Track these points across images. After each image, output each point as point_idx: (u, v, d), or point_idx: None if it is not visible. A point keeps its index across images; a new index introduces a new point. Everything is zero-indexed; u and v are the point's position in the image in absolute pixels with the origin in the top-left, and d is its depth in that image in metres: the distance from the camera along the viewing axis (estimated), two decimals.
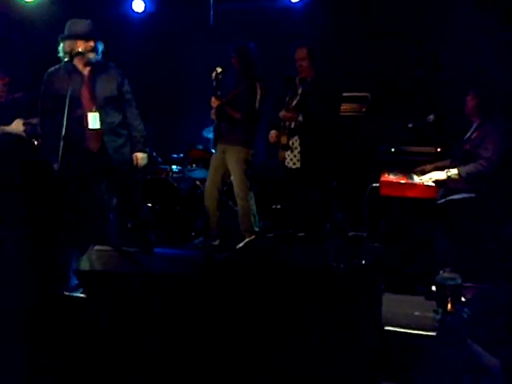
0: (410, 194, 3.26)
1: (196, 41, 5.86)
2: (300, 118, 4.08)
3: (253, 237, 4.32)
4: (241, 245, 4.29)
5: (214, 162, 4.49)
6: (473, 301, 2.73)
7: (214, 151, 4.65)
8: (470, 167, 3.51)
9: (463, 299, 2.61)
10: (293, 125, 4.15)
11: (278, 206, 4.73)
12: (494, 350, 1.84)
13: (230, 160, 4.35)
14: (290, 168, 4.14)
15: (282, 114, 4.17)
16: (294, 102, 4.15)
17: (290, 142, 4.14)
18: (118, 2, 6.04)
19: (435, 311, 2.27)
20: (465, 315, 2.28)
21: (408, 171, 3.74)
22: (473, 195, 3.43)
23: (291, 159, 4.15)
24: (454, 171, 3.51)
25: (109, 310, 2.53)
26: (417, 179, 3.51)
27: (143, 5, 6.05)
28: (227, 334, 2.41)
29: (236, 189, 4.36)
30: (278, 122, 4.24)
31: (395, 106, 4.95)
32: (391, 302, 2.74)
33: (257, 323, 2.36)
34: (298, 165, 4.11)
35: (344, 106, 5.19)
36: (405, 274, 2.88)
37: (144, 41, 6.19)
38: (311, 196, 3.95)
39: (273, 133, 4.25)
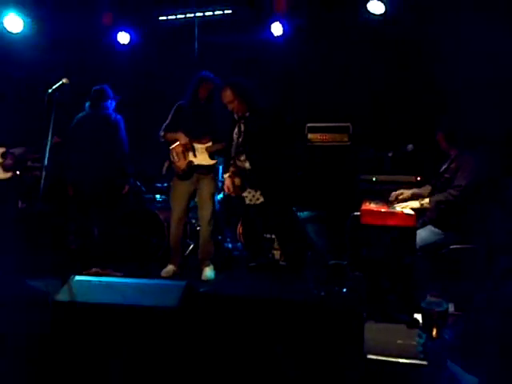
0: (391, 222, 3.30)
1: (181, 72, 5.94)
2: (247, 166, 4.21)
3: (211, 265, 4.42)
4: (209, 274, 4.32)
5: (182, 191, 4.52)
6: (454, 324, 2.76)
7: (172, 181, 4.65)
8: (439, 196, 3.64)
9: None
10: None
11: (269, 235, 4.74)
12: (473, 370, 1.87)
13: (205, 188, 4.45)
14: (254, 204, 4.25)
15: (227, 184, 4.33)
16: (240, 140, 4.27)
17: (244, 182, 4.26)
18: (103, 34, 6.12)
19: (419, 335, 2.29)
20: (446, 337, 2.31)
21: (388, 200, 3.82)
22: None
23: (253, 196, 4.26)
24: (426, 200, 3.65)
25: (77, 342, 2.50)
26: (397, 208, 3.57)
27: (128, 36, 6.14)
28: (208, 367, 2.39)
29: (205, 214, 4.44)
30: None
31: (376, 135, 5.06)
32: (373, 331, 2.75)
33: (239, 354, 2.35)
34: (262, 199, 4.21)
35: (326, 136, 5.31)
36: (386, 303, 2.90)
37: (129, 72, 6.26)
38: (284, 225, 4.04)
39: (228, 182, 4.36)
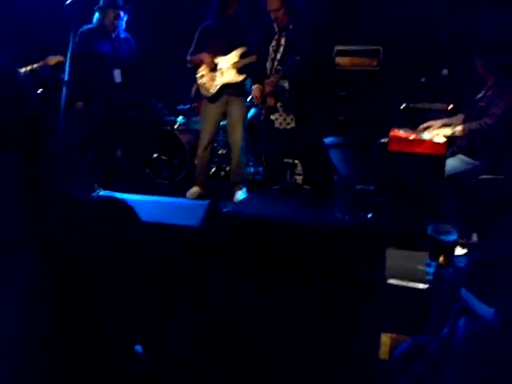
0: (419, 149, 3.21)
1: None
2: (286, 85, 3.92)
3: (244, 188, 4.39)
4: (240, 196, 4.31)
5: (212, 114, 4.42)
6: (470, 253, 2.74)
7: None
8: (473, 124, 3.47)
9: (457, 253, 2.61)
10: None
11: (291, 161, 4.66)
12: (489, 300, 1.86)
13: (235, 111, 4.33)
14: (284, 128, 4.05)
15: (268, 81, 4.01)
16: (278, 56, 3.99)
17: (278, 104, 4.01)
18: None
19: (427, 264, 2.26)
20: (461, 265, 2.28)
21: (418, 128, 3.68)
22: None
23: (284, 119, 4.04)
24: (458, 128, 3.49)
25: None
26: (426, 135, 3.46)
27: None
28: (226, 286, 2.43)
29: (236, 138, 4.35)
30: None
31: (408, 60, 4.81)
32: (395, 256, 2.75)
33: (262, 279, 2.38)
34: (293, 124, 4.01)
35: (354, 60, 5.08)
36: (410, 230, 2.88)
37: None
38: (312, 151, 3.92)
39: (257, 91, 4.09)
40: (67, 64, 3.56)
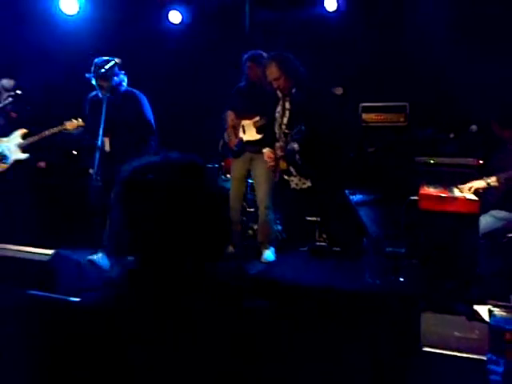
0: (451, 208, 3.11)
1: (232, 50, 5.86)
2: (296, 147, 3.90)
3: (272, 248, 4.33)
4: (268, 256, 4.25)
5: (237, 172, 4.54)
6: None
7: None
8: (508, 173, 3.37)
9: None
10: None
11: (315, 219, 4.62)
12: None
13: (258, 168, 4.37)
14: (300, 188, 4.02)
15: (278, 146, 4.04)
16: (285, 120, 4.03)
17: (290, 168, 4.03)
18: (156, 15, 6.11)
19: (493, 362, 2.00)
20: None
21: (448, 184, 3.59)
22: None
23: (299, 180, 4.02)
24: (493, 178, 3.38)
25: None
26: (458, 192, 3.36)
27: (180, 16, 6.10)
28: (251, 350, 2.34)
29: (260, 195, 4.38)
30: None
31: (435, 116, 4.79)
32: (430, 322, 2.62)
33: (290, 342, 2.28)
34: (309, 183, 3.98)
35: (381, 116, 5.11)
36: (445, 293, 2.75)
37: (181, 51, 6.25)
38: (332, 210, 3.86)
39: (269, 153, 4.10)
40: (101, 129, 3.67)
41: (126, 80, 4.17)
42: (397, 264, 2.66)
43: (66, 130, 4.26)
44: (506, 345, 1.98)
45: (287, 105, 4.01)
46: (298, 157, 3.90)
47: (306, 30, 5.45)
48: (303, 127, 3.67)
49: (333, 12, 5.36)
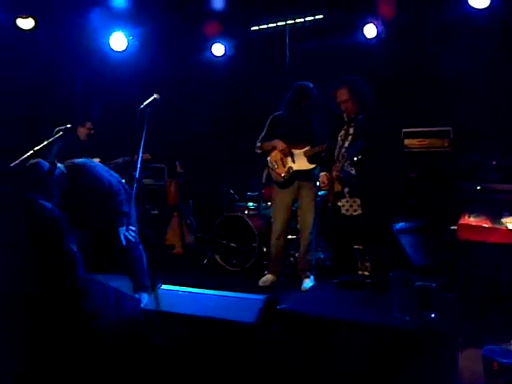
0: (493, 239, 2.97)
1: (274, 80, 5.97)
2: (353, 172, 3.86)
3: (311, 276, 4.30)
4: (307, 285, 4.21)
5: (284, 201, 4.49)
6: None
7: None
8: None
9: None
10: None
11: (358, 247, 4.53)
12: None
13: (306, 196, 4.38)
14: (351, 215, 3.94)
15: (334, 166, 3.95)
16: (347, 144, 3.97)
17: (345, 190, 3.96)
18: (199, 47, 6.32)
19: None
20: None
21: (495, 212, 3.42)
22: None
23: (351, 206, 3.94)
24: None
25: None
26: (504, 223, 3.20)
27: (223, 48, 6.28)
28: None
29: (306, 224, 4.37)
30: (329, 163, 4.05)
31: (479, 141, 4.64)
32: (471, 359, 2.48)
33: (314, 377, 2.25)
34: (360, 211, 3.89)
35: (424, 141, 4.99)
36: (483, 327, 2.60)
37: (225, 82, 6.43)
38: (378, 239, 3.76)
39: (324, 178, 4.03)
40: (139, 162, 3.81)
41: None
42: (427, 299, 2.56)
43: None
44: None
45: (351, 130, 3.98)
46: (354, 180, 3.87)
47: (346, 57, 5.46)
48: (360, 143, 3.67)
49: (372, 38, 5.35)
